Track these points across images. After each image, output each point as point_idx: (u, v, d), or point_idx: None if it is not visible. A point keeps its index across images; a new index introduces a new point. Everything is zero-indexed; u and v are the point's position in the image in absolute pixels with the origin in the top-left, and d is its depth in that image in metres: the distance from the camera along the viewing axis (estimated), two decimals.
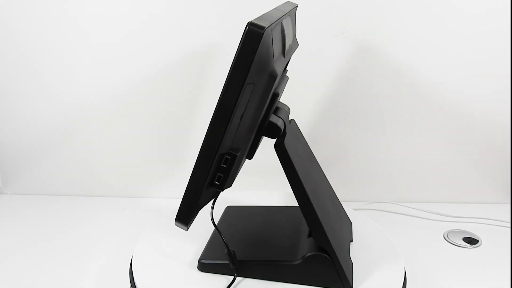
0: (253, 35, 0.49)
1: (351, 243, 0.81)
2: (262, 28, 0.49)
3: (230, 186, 0.64)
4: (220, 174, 0.59)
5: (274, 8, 0.65)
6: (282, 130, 0.67)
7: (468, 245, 0.94)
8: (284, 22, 0.62)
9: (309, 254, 0.69)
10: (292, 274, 0.70)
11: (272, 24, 0.52)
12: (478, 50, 1.02)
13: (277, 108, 0.71)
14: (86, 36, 1.03)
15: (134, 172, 1.14)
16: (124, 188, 1.15)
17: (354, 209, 1.00)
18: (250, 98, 0.54)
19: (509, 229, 1.00)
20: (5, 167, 1.15)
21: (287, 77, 0.76)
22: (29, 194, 1.16)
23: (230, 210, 0.91)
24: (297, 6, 0.78)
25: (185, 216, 0.61)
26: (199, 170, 0.57)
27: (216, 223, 0.85)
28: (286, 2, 0.76)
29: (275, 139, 0.67)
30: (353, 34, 1.02)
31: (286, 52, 0.63)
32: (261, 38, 0.49)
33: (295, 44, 0.75)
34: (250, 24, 0.49)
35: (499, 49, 1.02)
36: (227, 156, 0.58)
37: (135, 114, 1.09)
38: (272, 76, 0.55)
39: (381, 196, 1.12)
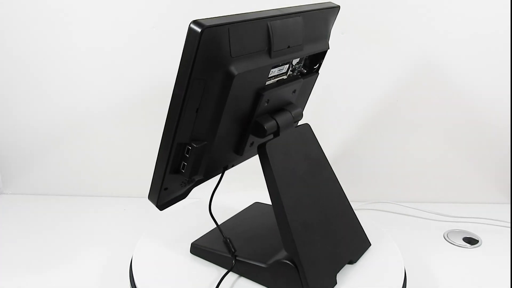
0: (193, 33, 0.51)
1: (352, 264, 0.74)
2: (202, 26, 0.51)
3: (201, 176, 0.67)
4: (184, 163, 0.63)
5: (276, 8, 0.64)
6: (267, 131, 0.66)
7: (468, 245, 0.94)
8: (276, 22, 0.61)
9: (277, 260, 0.67)
10: (262, 276, 0.70)
11: (228, 23, 0.54)
12: (478, 50, 1.02)
13: (280, 110, 0.71)
14: (87, 38, 1.03)
15: (134, 172, 1.14)
16: (124, 188, 1.15)
17: (354, 209, 1.00)
18: (204, 94, 0.57)
19: (509, 229, 1.00)
20: (5, 167, 1.15)
21: (300, 80, 0.73)
22: (29, 194, 1.16)
23: (254, 206, 0.92)
24: (335, 8, 0.74)
25: (153, 196, 0.65)
26: (160, 157, 0.61)
27: (233, 214, 0.87)
28: (320, 3, 0.73)
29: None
30: (353, 34, 1.02)
31: (274, 53, 0.62)
32: (200, 36, 0.51)
33: (313, 47, 0.71)
34: (192, 22, 0.51)
35: (499, 50, 1.02)
36: (189, 147, 0.61)
37: (135, 114, 1.09)
38: (229, 75, 0.57)
39: (381, 196, 1.12)
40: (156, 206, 0.66)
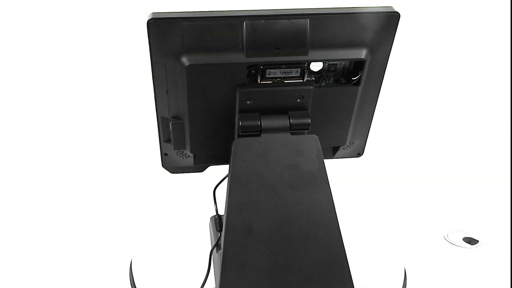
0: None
1: None
2: (150, 19, 0.59)
3: (189, 152, 0.73)
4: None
5: (275, 9, 0.64)
6: (243, 129, 0.66)
7: (468, 245, 0.94)
8: (256, 22, 0.61)
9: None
10: (218, 260, 0.72)
11: (183, 18, 0.60)
12: (478, 50, 1.02)
13: (277, 113, 0.68)
14: (85, 36, 1.03)
15: (134, 172, 1.14)
16: (124, 188, 1.15)
17: (354, 209, 1.00)
18: (168, 78, 0.65)
19: (509, 229, 1.00)
20: (5, 167, 1.15)
21: (309, 87, 0.67)
22: (29, 194, 1.16)
23: None
24: (387, 14, 0.66)
25: (160, 154, 0.74)
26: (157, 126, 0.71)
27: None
28: (369, 6, 0.67)
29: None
30: None
31: (250, 52, 0.62)
32: (148, 25, 0.60)
33: (330, 54, 0.66)
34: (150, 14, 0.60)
35: (499, 49, 1.02)
36: (171, 122, 0.70)
37: (136, 113, 1.09)
38: (182, 64, 0.63)
39: (381, 196, 1.12)
40: (163, 167, 0.75)
